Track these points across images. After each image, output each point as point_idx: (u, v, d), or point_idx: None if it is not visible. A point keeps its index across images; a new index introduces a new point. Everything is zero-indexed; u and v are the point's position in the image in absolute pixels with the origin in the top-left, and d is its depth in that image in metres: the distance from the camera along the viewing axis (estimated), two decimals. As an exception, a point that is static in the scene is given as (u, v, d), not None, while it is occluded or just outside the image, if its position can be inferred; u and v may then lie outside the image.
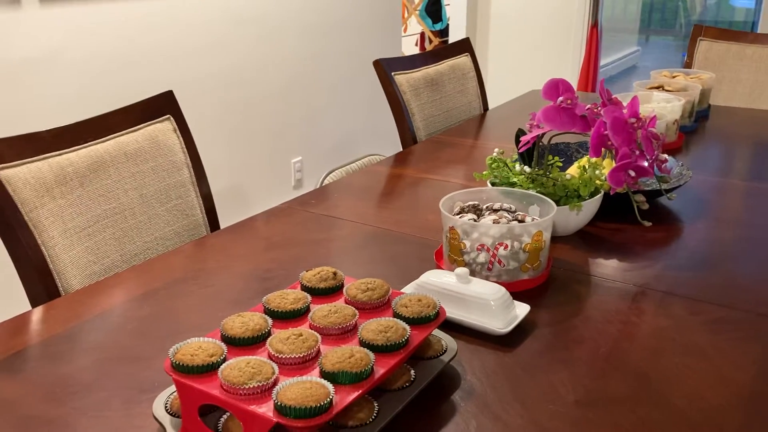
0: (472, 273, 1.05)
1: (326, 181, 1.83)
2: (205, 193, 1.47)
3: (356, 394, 0.70)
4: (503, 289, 0.96)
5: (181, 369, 0.72)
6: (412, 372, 0.81)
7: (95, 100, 2.26)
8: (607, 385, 0.84)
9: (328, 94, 3.23)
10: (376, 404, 0.75)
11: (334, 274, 0.91)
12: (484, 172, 1.29)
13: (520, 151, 1.25)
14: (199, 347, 0.74)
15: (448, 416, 0.78)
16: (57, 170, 1.20)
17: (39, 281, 1.13)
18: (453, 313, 0.95)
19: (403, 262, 1.17)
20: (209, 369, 0.72)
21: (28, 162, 1.16)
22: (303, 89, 3.08)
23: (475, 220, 1.09)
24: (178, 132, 1.43)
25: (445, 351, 0.86)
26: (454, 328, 0.95)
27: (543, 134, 1.23)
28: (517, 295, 1.02)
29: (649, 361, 0.89)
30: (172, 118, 1.43)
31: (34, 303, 1.14)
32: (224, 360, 0.74)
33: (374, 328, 0.78)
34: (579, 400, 0.81)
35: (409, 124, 1.95)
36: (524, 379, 0.85)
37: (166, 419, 0.74)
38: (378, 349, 0.76)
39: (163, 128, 1.42)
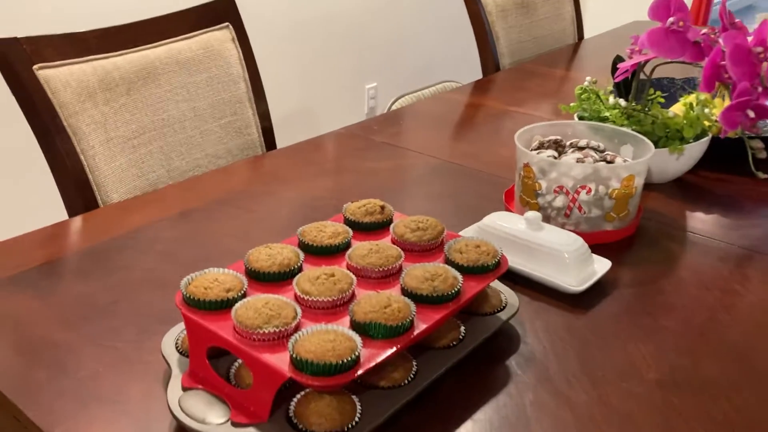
0: (546, 219, 0.91)
1: (394, 107, 1.69)
2: (263, 111, 1.36)
3: (388, 352, 0.58)
4: (581, 239, 0.82)
5: (192, 303, 0.63)
6: (462, 328, 0.69)
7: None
8: (699, 365, 0.69)
9: (408, 15, 3.03)
10: (414, 363, 0.64)
11: (382, 208, 0.78)
12: (572, 104, 1.12)
13: (617, 80, 1.07)
14: (215, 280, 0.64)
15: (499, 385, 0.66)
16: (102, 74, 1.12)
17: (76, 192, 1.06)
18: (519, 264, 0.82)
19: (468, 201, 1.03)
20: (223, 306, 0.62)
21: (71, 63, 1.08)
22: (382, 8, 2.89)
23: (555, 158, 0.94)
24: (236, 42, 1.32)
25: (504, 307, 0.73)
26: (518, 281, 0.81)
27: (645, 62, 1.05)
28: (597, 248, 0.87)
29: (752, 340, 0.73)
30: (231, 27, 1.32)
31: (72, 214, 1.07)
32: (243, 296, 0.64)
33: (419, 274, 0.66)
34: (661, 379, 0.67)
35: (493, 49, 1.77)
36: (596, 348, 0.71)
37: (173, 358, 0.65)
38: (422, 300, 0.64)
39: (221, 37, 1.30)
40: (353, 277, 0.66)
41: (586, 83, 1.11)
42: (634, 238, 0.93)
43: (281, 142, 1.42)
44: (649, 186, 1.06)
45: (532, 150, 0.98)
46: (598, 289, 0.81)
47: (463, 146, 1.26)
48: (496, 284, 0.76)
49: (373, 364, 0.57)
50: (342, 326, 0.60)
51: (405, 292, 0.65)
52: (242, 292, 0.64)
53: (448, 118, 1.43)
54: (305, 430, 0.57)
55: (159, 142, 1.20)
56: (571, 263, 0.80)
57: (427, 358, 0.65)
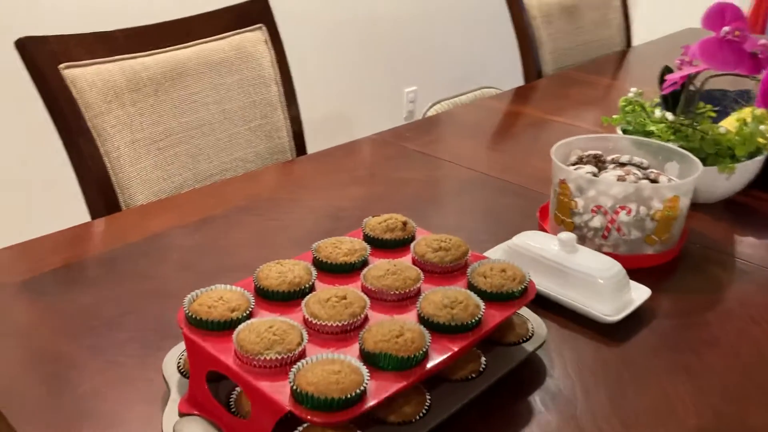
0: (582, 239, 0.85)
1: (430, 113, 1.64)
2: (294, 115, 1.33)
3: (398, 386, 0.54)
4: (618, 265, 0.76)
5: (194, 323, 0.59)
6: (483, 359, 0.64)
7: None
8: (746, 411, 0.63)
9: (451, 16, 2.96)
10: (428, 397, 0.59)
11: (404, 224, 0.74)
12: (615, 117, 1.06)
13: (664, 92, 1.01)
14: (221, 298, 0.60)
15: (521, 423, 0.61)
16: (129, 75, 1.10)
17: (99, 194, 1.05)
18: (549, 288, 0.77)
19: (501, 217, 0.98)
20: (227, 327, 0.58)
21: (98, 63, 1.06)
22: (423, 11, 2.83)
23: (594, 175, 0.88)
24: (269, 44, 1.29)
25: (531, 337, 0.68)
26: (548, 307, 0.76)
27: (696, 74, 0.98)
28: (636, 272, 0.81)
29: (806, 385, 0.67)
30: (264, 28, 1.29)
31: (94, 215, 1.06)
32: (249, 317, 0.60)
33: (438, 300, 0.61)
34: (703, 426, 0.61)
35: (535, 55, 1.71)
36: (630, 385, 0.66)
37: (174, 379, 0.61)
38: (438, 329, 0.59)
39: (254, 38, 1.28)
40: (366, 300, 0.62)
41: (631, 94, 1.04)
42: (676, 263, 0.87)
43: (317, 146, 1.38)
44: (694, 206, 0.99)
45: (569, 165, 0.92)
46: (635, 319, 0.75)
47: (499, 157, 1.20)
48: (523, 311, 0.71)
49: (379, 400, 0.52)
50: (350, 355, 0.56)
51: (421, 318, 0.61)
52: (248, 311, 0.60)
53: (485, 126, 1.37)
54: (303, 469, 0.53)
55: (186, 145, 1.18)
56: (606, 290, 0.74)
57: (442, 391, 0.61)
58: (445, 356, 0.57)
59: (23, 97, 1.25)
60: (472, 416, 0.61)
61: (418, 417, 0.57)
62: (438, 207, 1.01)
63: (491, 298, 0.64)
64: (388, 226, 0.73)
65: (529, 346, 0.67)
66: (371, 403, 0.52)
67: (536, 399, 0.64)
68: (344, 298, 0.61)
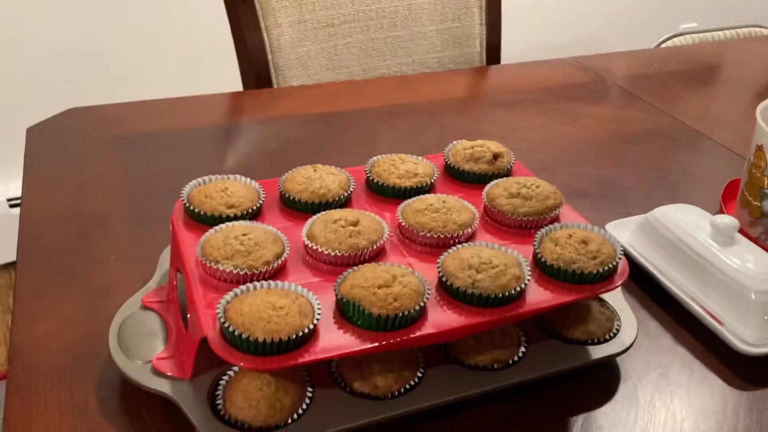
0: None
1: (666, 45, 1.34)
2: (494, 22, 1.16)
3: (351, 349, 0.41)
4: (790, 278, 0.52)
5: (186, 210, 0.51)
6: (523, 349, 0.48)
7: None
8: None
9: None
10: (420, 373, 0.45)
11: (495, 156, 0.57)
12: None
13: None
14: (225, 189, 0.52)
15: (537, 449, 0.44)
16: (310, -51, 1.02)
17: (252, 69, 1.01)
18: (679, 286, 0.55)
19: (678, 182, 0.75)
20: (213, 222, 0.50)
21: (276, -69, 1.00)
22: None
23: (815, 148, 0.61)
24: (480, -64, 1.12)
25: (610, 338, 0.49)
26: (670, 309, 0.55)
27: None
28: (832, 298, 0.55)
29: None
30: None
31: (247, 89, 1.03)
32: (248, 217, 0.51)
33: (466, 257, 0.46)
34: None
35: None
36: (731, 452, 0.45)
37: (161, 269, 0.54)
38: (452, 294, 0.45)
39: (463, -73, 1.12)
40: (385, 233, 0.49)
41: None
42: None
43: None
44: None
45: (786, 129, 0.66)
46: (793, 362, 0.51)
47: (718, 109, 0.93)
48: (616, 303, 0.52)
49: (323, 356, 0.40)
50: (330, 294, 0.44)
51: (439, 276, 0.46)
52: (250, 211, 0.51)
53: (724, 71, 1.07)
54: (220, 409, 0.43)
55: (360, 36, 1.09)
56: (757, 308, 0.51)
57: (442, 372, 0.46)
58: (439, 330, 0.42)
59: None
60: (473, 414, 0.46)
61: (391, 394, 0.44)
62: (601, 153, 0.80)
63: (553, 274, 0.46)
64: (473, 154, 0.58)
65: (595, 352, 0.48)
66: (304, 359, 0.40)
67: (576, 423, 0.46)
68: (355, 224, 0.48)
